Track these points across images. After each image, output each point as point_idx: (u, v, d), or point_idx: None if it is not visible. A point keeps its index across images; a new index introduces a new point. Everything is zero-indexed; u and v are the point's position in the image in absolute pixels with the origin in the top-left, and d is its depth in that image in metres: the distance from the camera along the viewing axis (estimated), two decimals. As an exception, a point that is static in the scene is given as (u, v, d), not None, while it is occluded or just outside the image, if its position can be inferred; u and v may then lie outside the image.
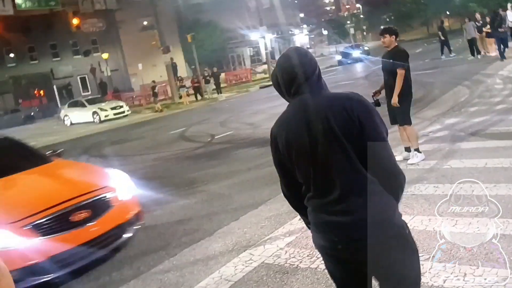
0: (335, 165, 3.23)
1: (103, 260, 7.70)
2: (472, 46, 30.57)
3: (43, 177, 8.85)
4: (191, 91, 44.82)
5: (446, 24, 37.69)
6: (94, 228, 7.38)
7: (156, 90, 42.12)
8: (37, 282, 6.61)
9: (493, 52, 28.83)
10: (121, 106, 41.00)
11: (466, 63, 28.76)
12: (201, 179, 12.49)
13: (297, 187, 3.50)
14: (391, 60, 9.84)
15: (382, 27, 10.77)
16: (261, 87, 45.27)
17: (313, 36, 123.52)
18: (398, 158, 9.60)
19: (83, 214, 7.33)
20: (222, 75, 55.15)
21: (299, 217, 3.74)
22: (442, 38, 34.28)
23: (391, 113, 10.06)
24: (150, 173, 14.64)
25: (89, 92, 66.94)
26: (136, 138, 24.83)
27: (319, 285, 5.73)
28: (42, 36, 68.14)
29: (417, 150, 10.05)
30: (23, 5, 42.68)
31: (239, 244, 7.63)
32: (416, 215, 7.10)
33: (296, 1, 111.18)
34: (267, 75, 53.66)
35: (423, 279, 5.02)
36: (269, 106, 23.34)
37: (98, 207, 7.64)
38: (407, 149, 10.24)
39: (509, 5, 29.06)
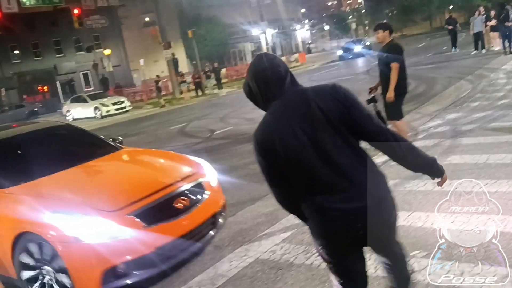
0: (338, 150, 3.38)
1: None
2: (478, 40, 30.11)
3: (127, 164, 8.55)
4: (192, 87, 44.81)
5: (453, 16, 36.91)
6: (194, 217, 6.84)
7: (160, 85, 42.14)
8: (144, 276, 6.10)
9: (497, 46, 28.60)
10: (123, 102, 41.20)
11: (470, 57, 28.52)
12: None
13: (290, 191, 3.57)
14: (385, 55, 9.77)
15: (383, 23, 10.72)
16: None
17: (314, 31, 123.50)
18: None
19: (184, 202, 6.80)
20: (223, 71, 55.08)
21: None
22: (450, 28, 33.67)
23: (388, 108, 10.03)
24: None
25: (92, 88, 67.66)
26: (137, 133, 24.83)
27: (314, 281, 5.69)
28: (46, 33, 69.29)
29: None
30: (28, 3, 42.80)
31: (235, 240, 7.59)
32: (414, 211, 7.00)
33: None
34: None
35: (421, 277, 4.95)
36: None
37: (196, 193, 7.12)
38: None
39: None
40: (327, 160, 3.36)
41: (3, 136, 8.46)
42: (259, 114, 3.61)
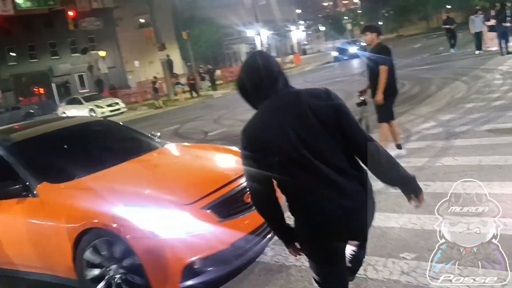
0: (331, 150, 3.45)
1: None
2: (479, 40, 29.77)
3: (183, 158, 8.30)
4: (187, 88, 44.86)
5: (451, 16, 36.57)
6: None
7: (156, 86, 42.23)
8: (219, 274, 5.75)
9: (494, 46, 28.49)
10: (117, 103, 41.47)
11: (466, 58, 28.41)
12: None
13: (274, 194, 3.60)
14: (373, 58, 9.70)
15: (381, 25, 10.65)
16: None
17: (310, 32, 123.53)
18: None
19: None
20: (218, 72, 55.10)
21: (286, 213, 3.73)
22: (448, 28, 33.18)
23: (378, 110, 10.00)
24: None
25: (87, 89, 67.86)
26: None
27: (303, 283, 5.67)
28: (42, 35, 70.42)
29: (398, 146, 10.17)
30: (23, 5, 43.00)
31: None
32: (404, 214, 6.94)
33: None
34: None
35: (422, 280, 4.89)
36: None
37: None
38: (398, 147, 10.11)
39: None
40: (320, 160, 3.41)
41: (47, 129, 8.14)
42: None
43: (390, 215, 6.96)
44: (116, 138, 8.48)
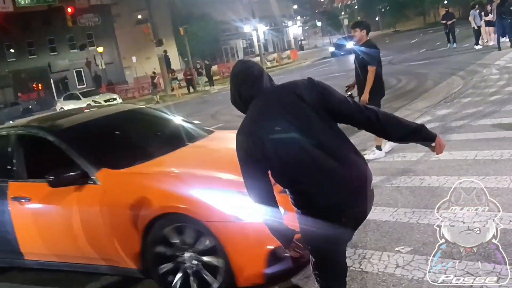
0: (325, 134, 3.53)
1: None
2: (479, 34, 29.45)
3: None
4: (184, 83, 44.80)
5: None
6: None
7: (155, 81, 42.21)
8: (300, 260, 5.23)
9: (491, 41, 28.41)
10: (115, 99, 41.56)
11: (463, 53, 28.34)
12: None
13: (271, 190, 3.63)
14: (361, 56, 9.62)
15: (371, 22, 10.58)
16: (254, 79, 44.91)
17: (306, 27, 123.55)
18: (367, 157, 9.46)
19: None
20: (215, 67, 55.05)
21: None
22: (448, 23, 32.47)
23: None
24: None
25: (85, 85, 68.17)
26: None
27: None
28: (41, 32, 70.80)
29: (378, 147, 9.93)
30: (22, 2, 42.96)
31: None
32: (399, 208, 6.94)
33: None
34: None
35: (416, 273, 4.92)
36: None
37: None
38: (378, 148, 10.01)
39: None
40: (316, 146, 3.47)
41: (92, 116, 7.92)
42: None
43: (385, 208, 6.96)
44: (163, 125, 8.23)
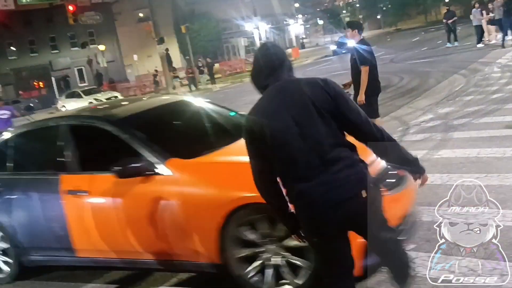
0: (323, 138, 3.54)
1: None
2: (482, 33, 29.23)
3: None
4: (185, 82, 44.82)
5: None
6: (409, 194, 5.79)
7: (157, 79, 42.17)
8: None
9: (494, 39, 28.39)
10: (116, 97, 41.15)
11: (466, 51, 28.28)
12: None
13: (274, 178, 3.71)
14: (354, 56, 9.64)
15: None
16: (255, 78, 44.83)
17: (308, 26, 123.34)
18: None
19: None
20: (217, 66, 55.00)
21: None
22: (449, 22, 31.92)
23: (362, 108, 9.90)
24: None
25: (86, 83, 67.89)
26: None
27: None
28: (42, 29, 70.65)
29: None
30: (24, 0, 42.90)
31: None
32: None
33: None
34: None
35: (420, 270, 4.91)
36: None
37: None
38: None
39: None
40: (313, 147, 3.53)
41: (144, 107, 7.54)
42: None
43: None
44: (218, 115, 7.73)
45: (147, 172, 5.74)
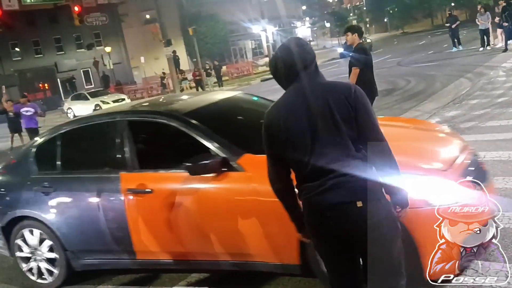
0: (332, 146, 3.47)
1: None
2: (486, 37, 29.30)
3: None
4: (193, 84, 44.90)
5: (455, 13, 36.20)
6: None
7: (165, 82, 42.17)
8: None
9: (499, 43, 28.41)
10: (123, 99, 41.17)
11: (471, 55, 28.32)
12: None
13: (286, 174, 3.73)
14: (350, 59, 9.79)
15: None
16: (262, 80, 44.84)
17: (315, 28, 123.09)
18: None
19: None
20: (224, 68, 55.04)
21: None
22: (453, 26, 32.13)
23: None
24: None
25: (92, 85, 67.94)
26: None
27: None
28: (47, 30, 69.97)
29: None
30: (28, 0, 42.83)
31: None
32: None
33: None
34: (269, 68, 53.38)
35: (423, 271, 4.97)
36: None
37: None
38: None
39: None
40: (323, 153, 3.49)
41: (202, 102, 7.07)
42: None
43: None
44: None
45: (221, 168, 5.47)
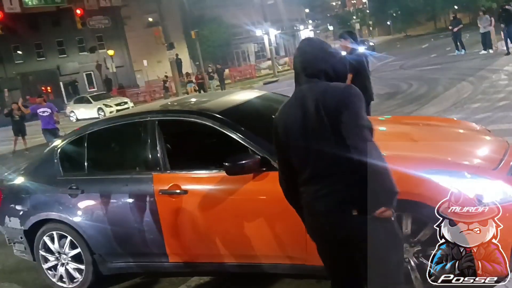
0: (324, 148, 3.49)
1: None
2: (487, 40, 29.51)
3: (420, 126, 7.20)
4: (195, 87, 44.91)
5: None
6: None
7: (167, 85, 42.17)
8: None
9: (502, 47, 28.41)
10: (126, 102, 41.09)
11: (474, 58, 28.34)
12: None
13: (292, 173, 3.76)
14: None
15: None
16: (265, 83, 44.96)
17: (318, 31, 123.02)
18: None
19: None
20: (226, 71, 54.99)
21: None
22: (454, 30, 32.27)
23: None
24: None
25: (95, 89, 67.71)
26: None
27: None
28: (49, 33, 69.89)
29: None
30: (30, 3, 42.85)
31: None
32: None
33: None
34: (271, 71, 53.38)
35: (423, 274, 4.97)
36: None
37: None
38: None
39: None
40: (314, 157, 3.55)
41: (232, 102, 6.86)
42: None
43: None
44: None
45: (261, 169, 5.33)
